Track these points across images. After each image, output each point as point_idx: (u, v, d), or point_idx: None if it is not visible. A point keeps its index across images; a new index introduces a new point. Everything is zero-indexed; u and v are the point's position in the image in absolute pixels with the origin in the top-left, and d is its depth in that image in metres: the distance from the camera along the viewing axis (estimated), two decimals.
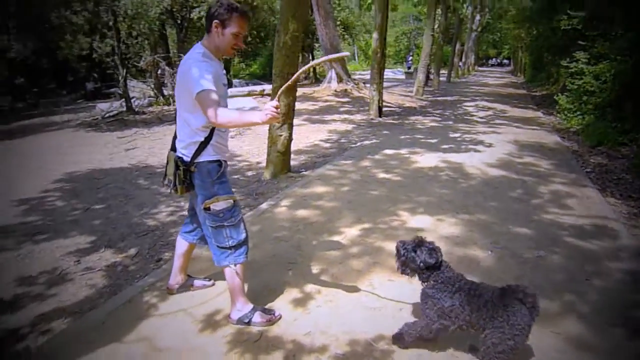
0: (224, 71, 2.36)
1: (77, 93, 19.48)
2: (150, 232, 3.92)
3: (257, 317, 2.40)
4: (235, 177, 5.59)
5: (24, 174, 6.12)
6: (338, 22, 21.65)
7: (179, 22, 21.48)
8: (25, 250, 3.66)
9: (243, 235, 2.38)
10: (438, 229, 3.64)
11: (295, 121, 9.48)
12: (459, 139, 7.31)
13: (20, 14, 15.11)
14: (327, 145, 7.32)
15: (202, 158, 2.25)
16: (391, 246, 3.21)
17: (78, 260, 3.44)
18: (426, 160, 5.90)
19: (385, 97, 12.19)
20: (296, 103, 11.73)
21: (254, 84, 17.00)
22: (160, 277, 2.99)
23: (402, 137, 7.64)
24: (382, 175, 5.29)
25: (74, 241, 3.81)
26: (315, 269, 3.01)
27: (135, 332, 2.40)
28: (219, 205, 2.29)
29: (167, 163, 2.38)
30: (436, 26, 14.95)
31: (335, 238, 3.51)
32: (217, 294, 2.73)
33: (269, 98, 13.39)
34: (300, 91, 14.87)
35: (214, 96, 2.02)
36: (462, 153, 6.26)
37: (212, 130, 2.25)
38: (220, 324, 2.44)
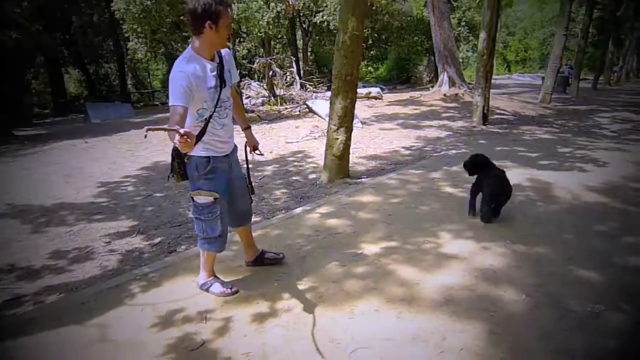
0: (215, 71, 2.34)
1: None
2: (184, 224, 4.09)
3: (217, 287, 2.66)
4: (295, 178, 5.57)
5: (120, 159, 6.98)
6: (463, 23, 20.36)
7: (305, 26, 22.63)
8: (78, 227, 4.13)
9: (216, 233, 2.52)
10: (475, 258, 3.08)
11: (387, 125, 9.22)
12: (567, 154, 6.20)
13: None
14: (407, 152, 6.86)
15: (193, 152, 2.36)
16: (405, 272, 2.85)
17: (109, 242, 3.76)
18: (512, 177, 5.09)
19: (501, 103, 11.05)
20: (398, 107, 11.43)
21: (363, 87, 16.88)
22: (155, 268, 3.08)
23: (499, 148, 6.78)
24: (446, 189, 4.73)
25: (119, 224, 4.18)
26: (303, 285, 2.79)
27: (100, 318, 2.50)
28: (200, 199, 2.46)
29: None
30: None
31: (349, 253, 3.22)
32: (194, 295, 2.69)
33: (375, 101, 13.21)
34: (407, 94, 14.40)
35: (178, 111, 2.10)
36: (560, 171, 5.28)
37: (205, 127, 2.36)
38: (173, 324, 2.40)
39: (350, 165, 5.98)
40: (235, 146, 2.71)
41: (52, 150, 8.55)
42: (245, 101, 14.35)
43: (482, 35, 8.22)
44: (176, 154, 2.41)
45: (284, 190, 5.07)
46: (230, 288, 2.66)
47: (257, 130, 9.25)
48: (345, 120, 4.94)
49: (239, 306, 2.56)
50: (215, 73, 2.35)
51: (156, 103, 23.67)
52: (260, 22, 12.38)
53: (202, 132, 2.37)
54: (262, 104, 14.34)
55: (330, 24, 18.82)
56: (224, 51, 2.45)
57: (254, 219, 4.17)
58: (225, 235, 2.61)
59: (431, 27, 12.71)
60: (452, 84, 12.43)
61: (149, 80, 34.11)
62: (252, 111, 12.89)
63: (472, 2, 21.55)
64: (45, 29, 19.20)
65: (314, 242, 3.43)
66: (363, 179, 5.30)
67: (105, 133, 10.24)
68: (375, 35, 21.26)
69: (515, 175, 5.09)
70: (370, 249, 3.30)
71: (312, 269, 2.99)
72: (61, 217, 4.43)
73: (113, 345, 2.26)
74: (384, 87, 20.87)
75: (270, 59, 13.38)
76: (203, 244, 2.60)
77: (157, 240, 3.77)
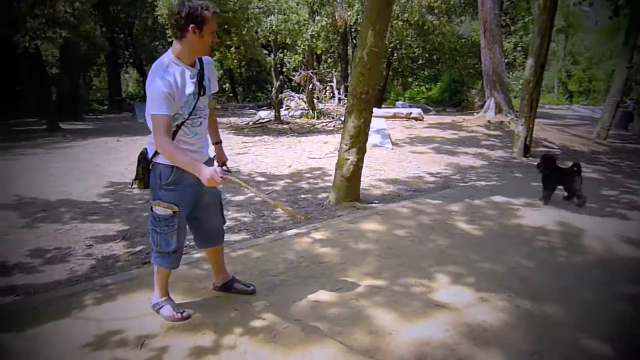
0: (195, 77, 2.24)
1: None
2: None
3: (167, 310, 2.46)
4: (303, 196, 5.34)
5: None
6: (519, 48, 19.49)
7: (355, 41, 22.58)
8: (69, 226, 4.11)
9: (171, 248, 2.37)
10: (468, 310, 2.70)
11: (419, 148, 8.81)
12: (611, 198, 5.56)
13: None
14: (432, 179, 6.45)
15: (157, 159, 2.29)
16: (381, 317, 2.54)
17: (91, 245, 3.68)
18: (539, 217, 4.61)
19: (549, 135, 10.34)
20: (436, 130, 10.96)
21: (409, 106, 16.47)
22: (118, 280, 2.94)
23: (535, 183, 6.20)
24: (461, 224, 4.32)
25: (109, 227, 4.11)
26: (261, 319, 2.53)
27: (40, 328, 2.38)
28: (158, 210, 2.34)
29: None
30: None
31: (328, 287, 2.93)
32: (143, 314, 2.51)
33: (415, 122, 12.80)
34: (450, 118, 13.84)
35: (164, 122, 2.07)
36: (597, 217, 4.71)
37: (174, 133, 2.24)
38: (106, 346, 2.23)
39: (365, 187, 5.70)
40: (210, 159, 2.53)
41: (85, 146, 8.85)
42: (284, 112, 14.41)
43: (530, 61, 7.69)
44: (141, 158, 2.33)
45: (287, 208, 4.83)
46: (181, 313, 2.46)
47: (284, 142, 9.17)
48: (358, 140, 4.67)
49: (182, 334, 2.34)
50: (195, 80, 2.25)
51: None
52: (304, 35, 12.40)
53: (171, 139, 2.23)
54: (300, 116, 14.32)
55: None
56: (205, 59, 2.34)
57: (243, 235, 4.03)
58: (180, 251, 2.47)
59: (481, 50, 12.19)
60: (498, 110, 11.81)
61: None
62: (288, 122, 12.88)
63: (531, 26, 20.65)
64: (106, 30, 20.38)
65: (293, 271, 3.17)
66: (374, 204, 4.98)
67: (143, 133, 10.51)
68: (427, 55, 20.81)
69: (543, 216, 4.60)
70: (352, 285, 2.99)
71: (279, 302, 2.72)
72: (59, 213, 4.45)
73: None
74: (431, 108, 20.36)
75: (312, 72, 13.34)
76: (156, 258, 2.44)
77: (138, 248, 3.65)
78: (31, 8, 8.91)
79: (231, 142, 9.18)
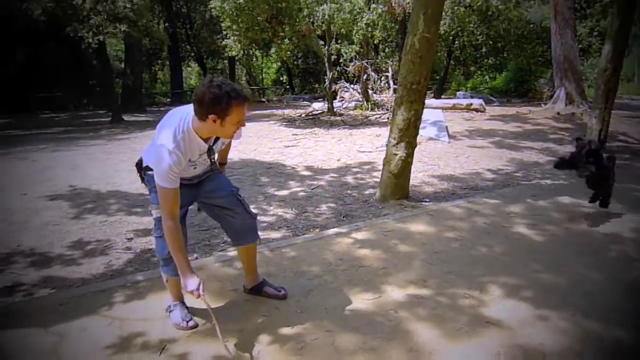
0: (205, 152, 2.16)
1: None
2: (211, 229, 3.90)
3: (176, 317, 2.35)
4: (349, 192, 5.12)
5: None
6: (595, 33, 17.80)
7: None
8: (114, 218, 4.17)
9: (164, 253, 2.23)
10: (523, 330, 2.36)
11: (478, 142, 8.25)
12: None
13: None
14: (491, 176, 5.97)
15: (149, 170, 2.20)
16: (422, 333, 2.29)
17: (131, 238, 3.69)
18: (612, 223, 4.06)
19: (629, 129, 9.32)
20: (499, 122, 10.25)
21: (470, 97, 15.64)
22: (149, 277, 2.88)
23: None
24: (520, 229, 3.90)
25: (152, 220, 4.11)
26: (290, 328, 2.34)
27: (66, 325, 2.35)
28: (153, 213, 2.25)
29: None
30: None
31: (365, 295, 2.69)
32: (165, 317, 2.42)
33: (475, 114, 12.08)
34: (515, 109, 12.93)
35: (170, 195, 2.02)
36: None
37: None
38: (128, 349, 2.15)
39: (416, 184, 5.38)
40: (216, 167, 2.41)
41: (142, 138, 9.15)
42: (337, 104, 14.18)
43: (607, 47, 6.89)
44: (138, 166, 2.28)
45: (331, 205, 4.66)
46: (187, 322, 2.33)
47: (334, 135, 8.97)
48: (407, 134, 4.36)
49: (204, 340, 2.21)
50: (205, 153, 2.16)
51: (263, 100, 24.81)
52: (359, 24, 12.05)
53: None
54: (354, 108, 14.02)
55: (441, 28, 17.81)
56: None
57: (283, 232, 3.88)
58: None
59: (551, 36, 11.22)
60: (569, 101, 10.83)
61: (261, 77, 36.03)
62: (341, 114, 12.64)
63: (610, 9, 18.76)
64: (168, 25, 21.15)
65: (329, 274, 2.97)
66: (424, 203, 4.66)
67: None
68: (491, 42, 19.65)
69: (618, 222, 4.06)
70: (393, 294, 2.73)
71: (311, 309, 2.53)
72: (107, 205, 4.55)
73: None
74: (494, 99, 19.26)
75: (367, 62, 12.97)
76: (161, 266, 2.36)
77: None
78: (94, 4, 9.35)
79: (281, 135, 9.12)
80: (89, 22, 9.80)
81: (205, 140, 2.09)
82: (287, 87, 32.35)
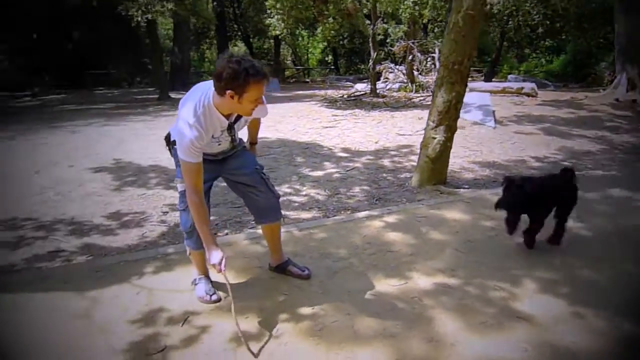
0: (225, 129, 2.15)
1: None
2: (244, 207, 3.93)
3: (200, 290, 2.40)
4: (384, 175, 5.02)
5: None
6: None
7: None
8: (152, 192, 4.32)
9: (188, 225, 2.27)
10: (555, 327, 2.24)
11: (527, 128, 7.85)
12: None
13: None
14: (537, 164, 5.67)
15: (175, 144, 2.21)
16: (446, 324, 2.23)
17: (166, 212, 3.80)
18: None
19: None
20: (550, 108, 9.69)
21: (522, 81, 14.84)
22: (180, 250, 2.95)
23: None
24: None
25: None
26: (310, 309, 2.34)
27: (99, 291, 2.47)
28: (179, 186, 2.30)
29: None
30: None
31: (390, 280, 2.65)
32: (190, 290, 2.47)
33: (526, 98, 11.48)
34: (569, 94, 12.16)
35: (194, 169, 2.03)
36: None
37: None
38: (153, 318, 2.23)
39: (456, 169, 5.22)
40: (240, 140, 2.42)
41: None
42: (381, 85, 13.90)
43: None
44: (167, 140, 2.31)
45: (365, 188, 4.59)
46: (210, 295, 2.38)
47: (375, 117, 8.81)
48: (447, 117, 4.19)
49: (226, 315, 2.25)
50: (225, 130, 2.15)
51: (307, 80, 24.77)
52: (406, 3, 11.67)
53: None
54: (398, 89, 13.70)
55: (494, 7, 16.91)
56: None
57: (314, 213, 3.87)
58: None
59: (614, 15, 10.37)
60: (631, 87, 10.04)
61: (306, 57, 35.90)
62: (384, 95, 12.39)
63: None
64: (216, 4, 21.36)
65: (356, 258, 2.93)
66: (461, 189, 4.50)
67: None
68: (548, 22, 18.45)
69: None
70: (419, 281, 2.67)
71: (334, 291, 2.52)
72: (147, 179, 4.70)
73: (88, 325, 2.17)
74: (549, 83, 18.22)
75: (413, 42, 12.58)
76: (185, 239, 2.40)
77: (212, 219, 3.68)
78: None
79: (321, 115, 9.06)
80: (138, 0, 10.06)
81: (227, 116, 2.08)
82: (332, 67, 32.07)
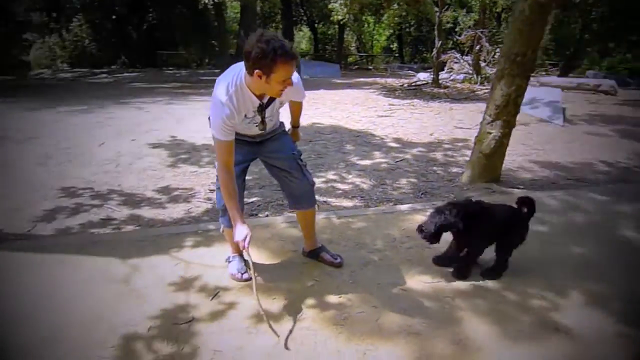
0: (257, 109, 2.14)
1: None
2: None
3: (233, 268, 2.47)
4: (434, 169, 4.87)
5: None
6: None
7: None
8: (203, 170, 4.51)
9: (221, 203, 2.30)
10: (597, 345, 2.09)
11: (599, 129, 7.29)
12: None
13: None
14: (605, 168, 5.24)
15: None
16: (477, 328, 2.17)
17: (213, 190, 3.92)
18: None
19: None
20: (630, 108, 8.87)
21: (602, 77, 13.70)
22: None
23: None
24: (624, 231, 3.38)
25: None
26: (336, 298, 2.34)
27: (140, 260, 2.62)
28: (216, 165, 2.29)
29: None
30: None
31: (424, 277, 2.58)
32: (224, 267, 2.55)
33: (604, 97, 10.60)
34: None
35: (225, 146, 2.07)
36: None
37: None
38: (186, 289, 2.34)
39: (513, 168, 4.97)
40: (281, 123, 2.45)
41: None
42: (445, 75, 13.43)
43: None
44: (209, 119, 2.32)
45: (412, 180, 4.48)
46: (242, 274, 2.44)
47: (433, 108, 8.56)
48: (505, 111, 3.96)
49: (252, 294, 2.31)
50: (256, 110, 2.14)
51: (370, 67, 24.44)
52: None
53: None
54: (463, 80, 13.17)
55: None
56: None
57: (356, 202, 3.84)
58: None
59: None
60: None
61: (371, 44, 35.42)
62: (446, 86, 11.97)
63: None
64: None
65: (391, 250, 2.88)
66: (516, 189, 4.26)
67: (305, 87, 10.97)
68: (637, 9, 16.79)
69: None
70: (454, 280, 2.57)
71: (363, 282, 2.49)
72: (199, 157, 4.89)
73: (127, 291, 2.31)
74: (632, 81, 16.69)
75: (481, 32, 11.98)
76: (219, 215, 2.45)
77: (252, 199, 3.77)
78: None
79: (377, 104, 8.92)
80: None
81: (259, 97, 2.08)
82: (397, 55, 31.41)
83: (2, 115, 7.38)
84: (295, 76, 2.09)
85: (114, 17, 21.52)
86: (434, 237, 2.48)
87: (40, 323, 2.04)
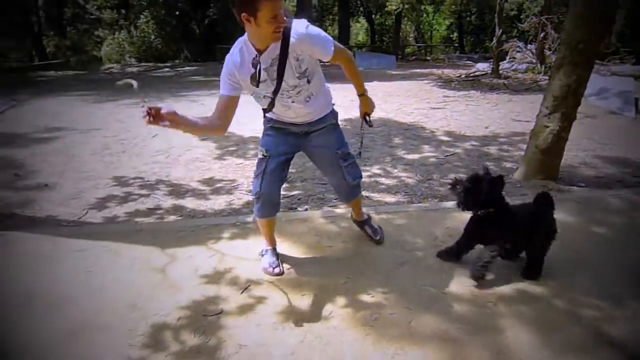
0: (252, 65, 2.02)
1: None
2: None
3: (265, 262, 2.46)
4: (488, 164, 4.53)
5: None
6: None
7: None
8: (249, 162, 4.55)
9: (254, 191, 2.34)
10: None
11: None
12: None
13: None
14: None
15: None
16: (520, 335, 2.04)
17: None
18: None
19: None
20: None
21: None
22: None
23: None
24: None
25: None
26: (367, 297, 2.26)
27: (178, 250, 2.69)
28: (259, 153, 2.38)
29: None
30: None
31: (464, 281, 2.43)
32: (257, 260, 2.55)
33: None
34: None
35: (219, 100, 2.07)
36: None
37: (271, 106, 2.19)
38: (218, 281, 2.37)
39: (574, 164, 4.61)
40: (326, 116, 2.35)
41: None
42: (506, 65, 12.72)
43: None
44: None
45: (462, 175, 4.24)
46: (274, 268, 2.42)
47: (490, 99, 8.18)
48: (564, 103, 3.65)
49: (284, 289, 2.29)
50: (251, 67, 2.01)
51: (428, 58, 23.72)
52: None
53: (269, 109, 2.24)
54: (525, 70, 12.40)
55: None
56: (297, 34, 1.94)
57: (399, 197, 3.73)
58: (264, 202, 2.32)
59: None
60: None
61: (429, 34, 34.39)
62: (507, 77, 11.33)
63: None
64: None
65: (432, 249, 2.73)
66: (576, 187, 3.93)
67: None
68: None
69: None
70: (498, 284, 2.40)
71: (399, 282, 2.39)
72: (246, 150, 4.95)
73: (161, 279, 2.37)
74: None
75: (546, 19, 11.18)
76: (254, 208, 2.44)
77: (294, 192, 3.76)
78: None
79: (431, 95, 8.62)
80: None
81: (263, 50, 1.96)
82: (457, 45, 30.23)
83: (73, 107, 7.92)
84: (313, 29, 1.98)
85: (177, 13, 22.41)
86: (474, 203, 2.29)
87: (78, 307, 2.14)
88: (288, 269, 2.47)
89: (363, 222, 2.78)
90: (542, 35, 11.32)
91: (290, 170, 4.17)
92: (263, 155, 2.31)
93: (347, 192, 2.53)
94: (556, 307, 2.22)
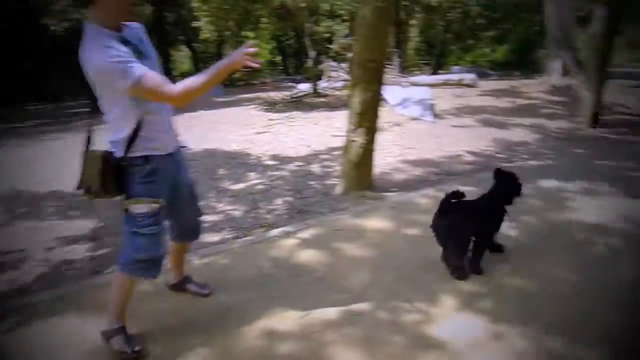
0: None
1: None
2: None
3: (118, 341, 2.02)
4: (311, 183, 4.72)
5: None
6: None
7: (407, 3, 20.95)
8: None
9: (160, 252, 2.04)
10: (471, 354, 2.00)
11: (464, 120, 7.78)
12: None
13: None
14: (471, 158, 5.54)
15: (131, 153, 1.89)
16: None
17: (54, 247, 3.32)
18: (600, 210, 3.65)
19: (632, 100, 8.81)
20: (490, 98, 9.71)
21: (467, 72, 14.99)
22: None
23: (599, 162, 5.15)
24: None
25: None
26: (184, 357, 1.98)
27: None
28: (138, 208, 1.94)
29: (85, 164, 1.93)
30: None
31: (290, 313, 2.32)
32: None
33: (467, 89, 11.51)
34: (506, 83, 12.34)
35: (151, 77, 1.73)
36: None
37: (139, 122, 1.85)
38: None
39: (388, 170, 5.00)
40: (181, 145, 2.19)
41: None
42: (324, 84, 13.64)
43: (599, 9, 6.36)
44: (103, 161, 1.88)
45: (288, 199, 4.26)
46: (133, 348, 2.01)
47: (312, 118, 8.56)
48: (366, 118, 3.93)
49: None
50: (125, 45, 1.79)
51: (255, 82, 24.08)
52: None
53: (138, 127, 1.86)
54: (342, 88, 13.48)
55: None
56: (133, 24, 1.92)
57: (223, 234, 3.51)
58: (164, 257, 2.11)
59: (544, 2, 10.54)
60: (565, 72, 10.23)
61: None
62: (325, 95, 12.14)
63: None
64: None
65: (256, 289, 2.57)
66: (390, 193, 4.25)
67: None
68: (486, 13, 18.86)
69: (607, 209, 3.64)
70: (324, 310, 2.35)
71: (220, 332, 2.16)
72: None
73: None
74: (492, 72, 18.56)
75: (352, 39, 12.38)
76: (138, 269, 2.00)
77: (100, 252, 3.24)
78: None
79: (256, 120, 8.68)
80: None
81: (118, 30, 1.80)
82: (282, 67, 31.62)
83: None
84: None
85: None
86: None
87: None
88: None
89: (186, 280, 2.51)
90: (350, 54, 12.47)
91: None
92: (158, 206, 2.00)
93: (199, 225, 2.43)
94: (381, 320, 2.27)
